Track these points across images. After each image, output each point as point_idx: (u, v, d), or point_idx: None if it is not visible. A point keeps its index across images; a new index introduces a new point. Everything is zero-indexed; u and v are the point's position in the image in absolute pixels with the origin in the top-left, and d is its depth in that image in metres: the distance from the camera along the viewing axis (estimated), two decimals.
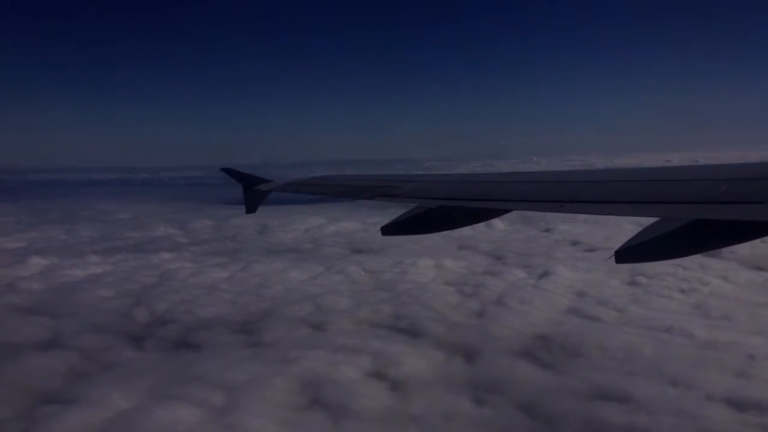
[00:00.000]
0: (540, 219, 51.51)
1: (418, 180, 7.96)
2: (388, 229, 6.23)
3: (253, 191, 10.39)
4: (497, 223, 49.65)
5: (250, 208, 10.47)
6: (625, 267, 31.82)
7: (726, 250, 35.80)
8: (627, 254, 4.10)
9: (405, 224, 6.18)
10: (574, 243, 40.56)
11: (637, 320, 23.79)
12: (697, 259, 33.91)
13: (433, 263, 34.10)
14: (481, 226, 48.76)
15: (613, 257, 4.13)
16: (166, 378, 18.80)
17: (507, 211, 5.71)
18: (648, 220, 4.21)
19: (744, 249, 36.33)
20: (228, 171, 10.89)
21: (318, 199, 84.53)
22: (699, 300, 26.24)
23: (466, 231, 46.88)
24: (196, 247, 41.03)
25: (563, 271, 31.15)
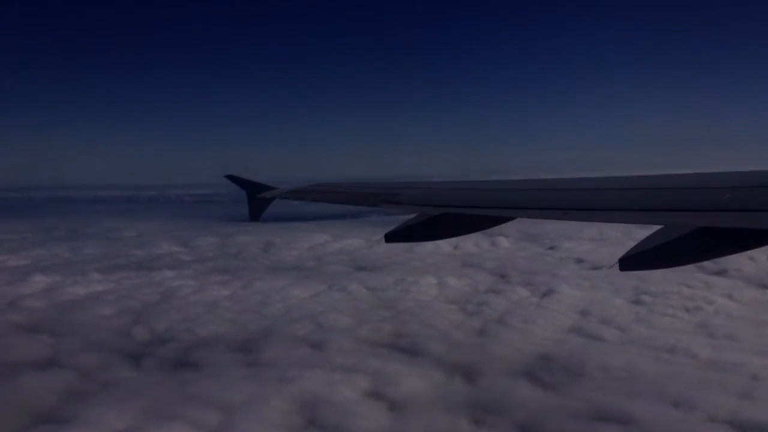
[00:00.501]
0: (545, 236, 51.35)
1: (421, 187, 7.94)
2: (391, 237, 6.30)
3: (257, 198, 10.54)
4: (502, 240, 49.55)
5: (254, 216, 10.74)
6: (630, 285, 31.62)
7: (732, 268, 35.54)
8: (631, 262, 4.10)
9: (408, 231, 6.23)
10: (579, 261, 40.32)
11: (641, 339, 23.53)
12: (702, 277, 33.71)
13: (436, 281, 33.91)
14: (485, 244, 48.69)
15: (617, 265, 4.11)
16: (163, 397, 18.64)
17: (511, 218, 5.69)
18: (652, 228, 4.21)
19: (750, 267, 36.08)
20: (232, 178, 10.95)
21: (323, 215, 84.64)
22: (703, 319, 25.96)
23: (470, 248, 47.02)
24: (199, 265, 40.98)
25: (567, 290, 30.94)
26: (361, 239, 51.71)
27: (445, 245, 47.96)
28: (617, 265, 4.14)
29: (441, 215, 6.10)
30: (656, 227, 4.27)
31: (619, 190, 5.50)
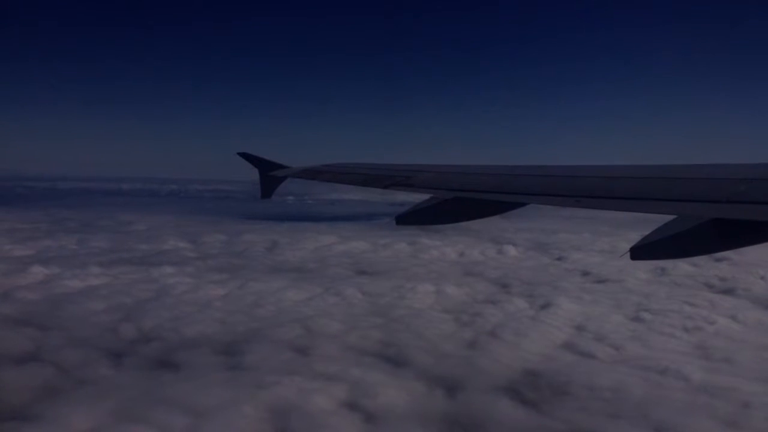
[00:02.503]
0: (555, 246, 50.57)
1: (433, 170, 7.73)
2: (402, 219, 6.21)
3: (268, 176, 10.40)
4: (510, 249, 48.88)
5: (266, 193, 10.46)
6: (632, 301, 30.91)
7: (741, 287, 34.63)
8: (643, 251, 4.12)
9: (419, 214, 6.17)
10: (585, 273, 39.51)
11: (633, 359, 22.87)
12: (708, 295, 32.86)
13: (434, 289, 33.39)
14: (492, 252, 48.06)
15: (629, 254, 4.11)
16: (135, 399, 18.42)
17: (522, 204, 5.64)
18: (665, 218, 4.21)
19: (759, 287, 35.15)
20: (245, 155, 10.90)
21: (337, 216, 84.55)
22: (702, 340, 25.17)
23: (476, 256, 46.44)
24: (201, 262, 40.86)
25: (566, 303, 30.26)
26: (368, 242, 51.30)
27: (451, 252, 47.49)
28: (629, 254, 4.13)
29: (452, 199, 6.05)
30: (670, 217, 4.25)
31: (632, 178, 5.36)
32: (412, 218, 6.20)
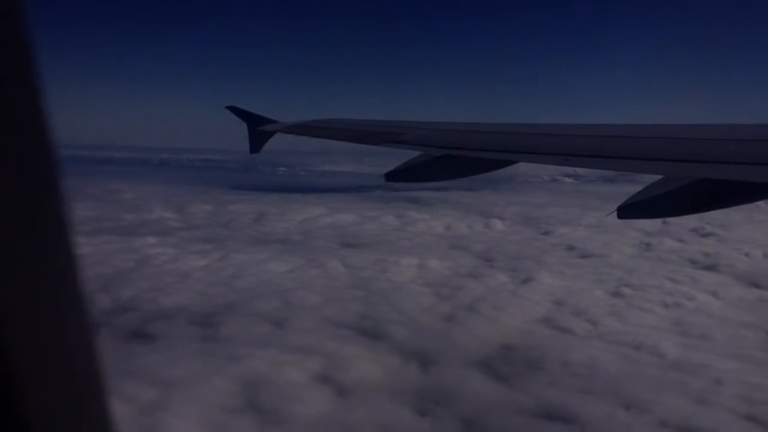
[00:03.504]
0: (543, 221, 50.41)
1: (425, 127, 7.75)
2: (391, 176, 6.44)
3: (258, 131, 10.28)
4: (497, 223, 48.75)
5: (254, 148, 10.43)
6: (614, 276, 30.89)
7: (724, 264, 34.60)
8: (630, 210, 4.27)
9: (409, 171, 6.32)
10: (570, 248, 39.37)
11: (610, 334, 22.84)
12: (691, 271, 32.82)
13: (417, 262, 33.27)
14: (479, 226, 47.92)
15: (615, 213, 4.26)
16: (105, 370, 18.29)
17: (512, 162, 5.73)
18: (653, 177, 4.26)
19: (743, 263, 35.12)
20: (233, 109, 10.83)
21: (328, 188, 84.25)
22: (681, 316, 25.17)
23: (463, 230, 46.31)
24: (186, 233, 40.68)
25: (547, 278, 30.18)
26: (355, 215, 51.08)
27: (438, 225, 47.33)
28: (616, 213, 4.26)
29: (443, 156, 6.11)
30: (657, 177, 4.31)
31: (621, 137, 5.43)
32: (402, 175, 6.42)
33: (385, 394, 17.96)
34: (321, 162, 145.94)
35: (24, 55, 0.87)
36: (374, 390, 18.24)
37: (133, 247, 34.66)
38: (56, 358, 0.96)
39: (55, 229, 0.93)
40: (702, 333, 23.19)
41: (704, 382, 18.65)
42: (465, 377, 19.04)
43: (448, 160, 6.11)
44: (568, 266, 33.62)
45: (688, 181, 4.00)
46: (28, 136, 0.88)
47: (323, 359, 19.84)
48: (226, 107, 10.85)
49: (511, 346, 21.55)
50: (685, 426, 15.93)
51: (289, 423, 16.04)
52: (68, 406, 0.98)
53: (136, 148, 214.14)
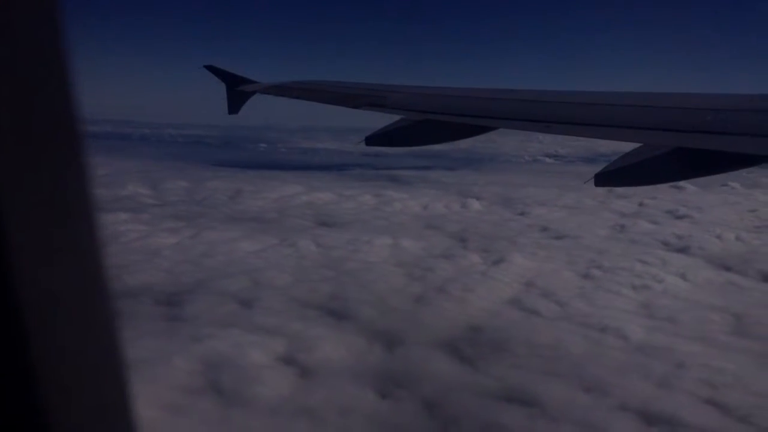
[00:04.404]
0: (520, 201, 50.36)
1: (407, 92, 7.66)
2: (372, 140, 6.31)
3: (236, 91, 10.10)
4: (474, 203, 48.65)
5: (233, 109, 10.20)
6: (586, 257, 30.93)
7: (696, 246, 34.79)
8: (607, 177, 4.24)
9: (388, 135, 6.23)
10: (544, 229, 39.35)
11: (577, 316, 22.87)
12: (662, 253, 32.96)
13: (391, 242, 33.13)
14: (456, 206, 47.81)
15: (593, 180, 4.30)
16: None
17: (493, 128, 5.72)
18: (631, 145, 4.30)
19: (716, 246, 35.33)
20: (212, 69, 10.58)
21: (309, 166, 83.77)
22: (648, 298, 25.26)
23: (440, 209, 46.18)
24: (158, 210, 40.24)
25: (519, 259, 30.16)
26: (333, 193, 50.81)
27: (415, 205, 47.13)
28: (593, 180, 4.28)
29: (424, 121, 6.11)
30: (635, 145, 4.33)
31: (602, 105, 5.45)
32: (382, 139, 6.29)
33: (347, 376, 17.88)
34: (302, 139, 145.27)
35: (54, 44, 0.87)
36: (337, 372, 18.16)
37: (102, 224, 34.08)
38: (79, 351, 0.99)
39: (83, 220, 0.98)
40: (668, 316, 23.29)
41: (667, 366, 18.73)
42: (429, 359, 19.01)
43: (429, 125, 6.10)
44: (540, 247, 33.63)
45: (666, 149, 4.05)
46: (57, 125, 0.91)
47: (288, 340, 19.72)
48: (205, 66, 10.65)
49: (478, 327, 21.53)
50: (645, 410, 15.98)
51: (249, 405, 15.90)
52: (91, 399, 1.01)
53: (115, 122, 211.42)
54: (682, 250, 34.22)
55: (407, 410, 16.17)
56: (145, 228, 33.77)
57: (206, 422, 15.12)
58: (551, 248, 33.54)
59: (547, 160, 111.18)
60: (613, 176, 4.24)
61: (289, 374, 17.81)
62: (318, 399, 16.51)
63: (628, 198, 50.96)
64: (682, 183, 60.45)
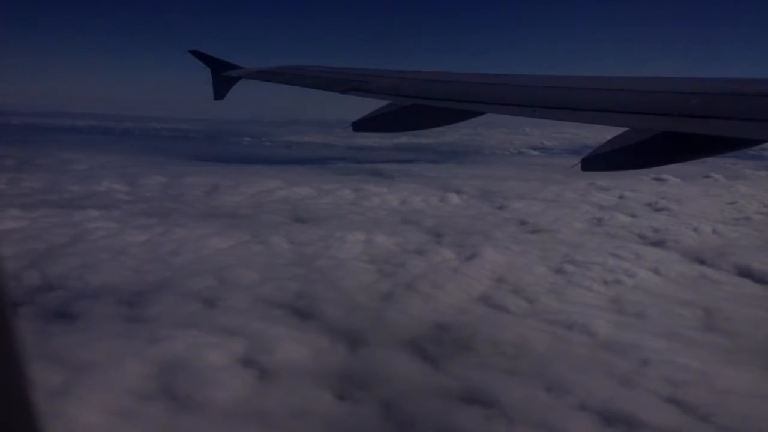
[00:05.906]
0: (500, 195, 50.11)
1: (394, 76, 7.62)
2: (358, 125, 6.28)
3: (221, 77, 10.08)
4: (453, 197, 48.36)
5: (218, 95, 10.15)
6: (560, 252, 30.72)
7: (671, 239, 34.69)
8: (593, 162, 4.24)
9: (375, 121, 6.24)
10: (522, 223, 39.15)
11: (545, 313, 22.63)
12: (637, 247, 32.82)
13: (364, 238, 32.76)
14: (435, 200, 47.51)
15: (579, 165, 4.26)
16: None
17: (480, 113, 5.70)
18: (617, 130, 4.31)
19: (691, 239, 35.23)
20: (197, 54, 10.29)
21: (291, 160, 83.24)
22: (619, 294, 25.07)
23: (418, 204, 45.82)
24: (132, 206, 39.65)
25: (491, 254, 29.89)
26: (312, 188, 50.37)
27: (393, 199, 46.77)
28: (579, 165, 4.28)
29: (410, 106, 6.12)
30: (621, 129, 4.36)
31: (588, 89, 5.49)
32: (368, 124, 6.27)
33: (307, 378, 17.56)
34: (287, 132, 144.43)
35: None
36: (297, 373, 17.82)
37: (72, 221, 33.65)
38: None
39: None
40: (637, 311, 23.12)
41: (631, 363, 18.55)
42: (392, 359, 18.70)
43: (415, 110, 6.10)
44: (516, 242, 33.41)
45: (652, 133, 4.11)
46: None
47: (249, 341, 19.34)
48: (190, 51, 10.42)
49: (444, 325, 21.25)
50: (604, 409, 15.76)
51: (201, 409, 15.55)
52: None
53: (98, 116, 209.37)
54: (658, 243, 34.13)
55: (363, 412, 15.87)
56: (116, 225, 33.21)
57: (154, 428, 14.74)
58: (526, 243, 33.33)
59: (533, 152, 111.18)
60: (599, 161, 4.27)
61: (246, 376, 17.46)
62: (273, 402, 16.19)
63: (609, 191, 50.89)
64: (664, 175, 60.64)
